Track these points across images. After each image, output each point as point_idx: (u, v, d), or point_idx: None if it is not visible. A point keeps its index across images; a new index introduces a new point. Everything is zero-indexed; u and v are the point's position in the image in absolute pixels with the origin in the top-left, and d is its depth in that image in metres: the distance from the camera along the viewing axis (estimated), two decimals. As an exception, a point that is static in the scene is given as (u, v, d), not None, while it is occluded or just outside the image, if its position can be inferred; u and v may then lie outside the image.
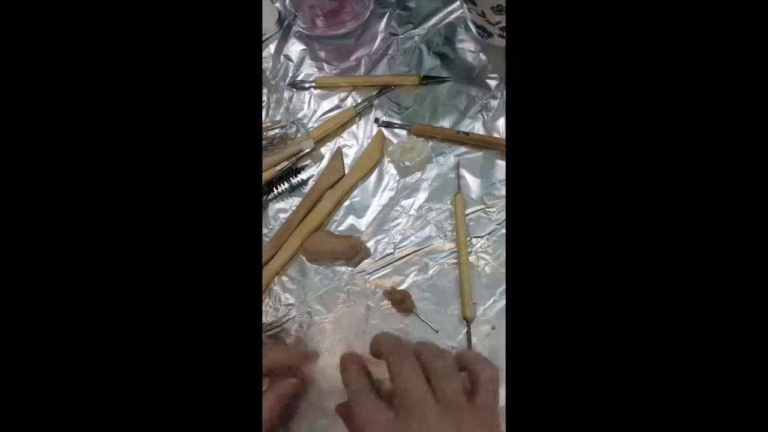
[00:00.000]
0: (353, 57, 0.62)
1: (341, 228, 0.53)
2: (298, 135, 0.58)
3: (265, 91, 0.62)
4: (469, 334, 0.45)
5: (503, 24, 0.53)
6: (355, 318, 0.48)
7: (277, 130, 0.58)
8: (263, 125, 0.59)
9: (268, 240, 0.53)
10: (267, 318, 0.50)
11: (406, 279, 0.49)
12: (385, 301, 0.48)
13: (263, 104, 0.61)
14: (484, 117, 0.55)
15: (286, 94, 0.62)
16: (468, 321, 0.45)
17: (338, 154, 0.56)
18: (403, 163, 0.54)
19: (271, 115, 0.61)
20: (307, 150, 0.57)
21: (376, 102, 0.58)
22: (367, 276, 0.50)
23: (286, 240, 0.52)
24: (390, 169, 0.55)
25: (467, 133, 0.53)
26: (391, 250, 0.50)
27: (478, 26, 0.57)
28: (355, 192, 0.54)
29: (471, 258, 0.48)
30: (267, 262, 0.52)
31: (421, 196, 0.52)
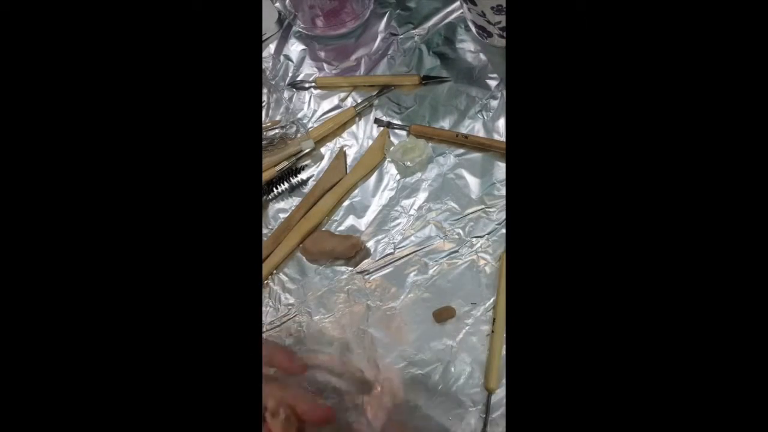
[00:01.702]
0: (353, 57, 0.62)
1: (341, 228, 0.53)
2: (298, 135, 0.58)
3: (265, 91, 0.62)
4: (488, 406, 0.42)
5: (503, 24, 0.53)
6: (355, 318, 0.48)
7: (277, 130, 0.58)
8: (263, 125, 0.59)
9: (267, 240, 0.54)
10: (267, 318, 0.50)
11: (406, 279, 0.49)
12: (384, 302, 0.48)
13: (263, 104, 0.61)
14: (484, 117, 0.55)
15: (286, 94, 0.62)
16: (490, 392, 0.43)
17: (341, 155, 0.56)
18: (404, 164, 0.54)
19: (271, 115, 0.61)
20: (307, 150, 0.57)
21: (376, 102, 0.58)
22: (367, 276, 0.50)
23: (284, 237, 0.52)
24: (390, 169, 0.55)
25: (466, 136, 0.53)
26: (391, 250, 0.50)
27: (478, 26, 0.57)
28: (355, 192, 0.54)
29: (471, 257, 0.48)
30: (265, 259, 0.52)
31: (421, 196, 0.52)
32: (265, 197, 0.56)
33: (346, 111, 0.58)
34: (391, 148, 0.55)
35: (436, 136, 0.54)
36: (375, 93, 0.59)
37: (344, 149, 0.57)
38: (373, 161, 0.55)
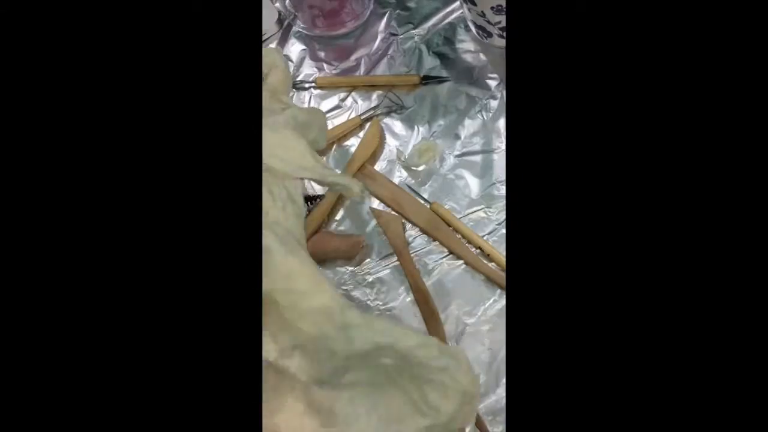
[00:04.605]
0: (353, 57, 0.62)
1: (341, 228, 0.53)
2: (298, 135, 0.58)
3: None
4: None
5: (503, 24, 0.53)
6: (355, 318, 0.48)
7: (277, 130, 0.58)
8: (263, 125, 0.59)
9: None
10: (267, 318, 0.50)
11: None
12: (384, 302, 0.48)
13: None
14: (483, 117, 0.55)
15: (286, 94, 0.62)
16: None
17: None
18: (419, 168, 0.53)
19: (271, 115, 0.61)
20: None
21: (379, 113, 0.58)
22: (367, 276, 0.50)
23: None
24: (389, 168, 0.55)
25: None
26: (391, 250, 0.50)
27: (478, 26, 0.57)
28: (355, 192, 0.54)
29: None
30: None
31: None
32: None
33: (352, 120, 0.57)
34: (407, 154, 0.54)
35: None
36: (376, 99, 0.58)
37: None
38: (366, 153, 0.55)
